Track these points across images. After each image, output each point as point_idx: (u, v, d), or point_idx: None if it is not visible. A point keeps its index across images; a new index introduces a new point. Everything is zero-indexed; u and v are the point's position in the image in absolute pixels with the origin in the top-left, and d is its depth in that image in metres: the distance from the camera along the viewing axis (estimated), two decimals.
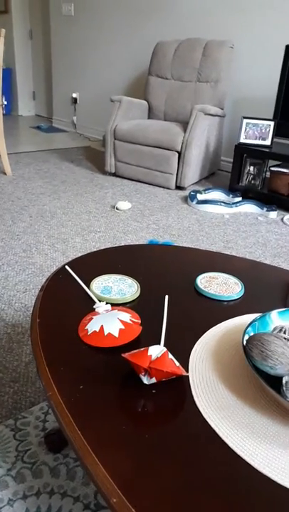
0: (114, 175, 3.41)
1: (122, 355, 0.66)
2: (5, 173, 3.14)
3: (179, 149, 3.02)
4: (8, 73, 5.66)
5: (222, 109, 3.33)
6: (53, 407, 0.62)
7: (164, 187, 3.22)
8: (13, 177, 3.12)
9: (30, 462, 0.97)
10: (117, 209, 2.68)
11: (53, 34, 4.97)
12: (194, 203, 2.84)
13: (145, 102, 3.57)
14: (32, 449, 1.00)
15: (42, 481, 0.92)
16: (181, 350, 0.74)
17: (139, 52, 4.11)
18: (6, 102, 3.02)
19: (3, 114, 2.98)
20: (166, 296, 0.91)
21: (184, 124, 3.18)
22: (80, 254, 2.10)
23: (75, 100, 4.99)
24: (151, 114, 3.61)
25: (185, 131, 3.03)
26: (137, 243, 2.21)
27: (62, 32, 4.84)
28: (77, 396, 0.63)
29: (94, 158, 3.94)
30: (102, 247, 2.14)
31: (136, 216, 2.61)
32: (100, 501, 0.89)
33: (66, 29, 4.78)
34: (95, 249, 2.10)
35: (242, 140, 2.97)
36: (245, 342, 0.68)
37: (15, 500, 0.88)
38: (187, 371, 0.69)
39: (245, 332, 0.71)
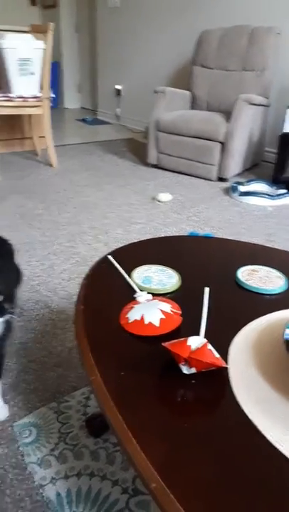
0: (156, 167, 3.41)
1: (163, 344, 0.67)
2: (51, 166, 3.23)
3: (221, 140, 2.96)
4: (56, 67, 5.78)
5: (267, 98, 3.23)
6: (95, 391, 0.64)
7: (205, 178, 3.18)
8: (59, 169, 3.20)
9: (72, 444, 1.00)
10: (158, 201, 2.69)
11: (99, 26, 5.01)
12: (236, 194, 2.78)
13: (188, 93, 3.53)
14: (74, 432, 1.04)
15: (83, 463, 0.96)
16: (221, 342, 0.74)
17: (183, 43, 4.06)
18: (54, 95, 3.10)
19: (51, 107, 3.06)
20: (207, 288, 0.91)
21: (227, 114, 3.11)
22: (121, 245, 2.12)
23: (118, 92, 5.02)
24: (194, 104, 3.56)
25: (228, 121, 2.97)
26: (177, 235, 2.21)
27: (108, 24, 4.86)
28: (119, 382, 0.65)
29: (136, 150, 3.95)
30: (142, 239, 2.15)
31: (176, 208, 2.60)
32: (138, 487, 0.91)
33: (112, 21, 4.80)
34: (135, 240, 2.12)
35: (287, 130, 2.86)
36: (287, 336, 0.67)
37: (57, 479, 0.92)
38: (227, 363, 0.68)
39: (287, 326, 0.69)
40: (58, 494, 0.89)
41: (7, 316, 0.80)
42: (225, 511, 0.47)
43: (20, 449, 0.99)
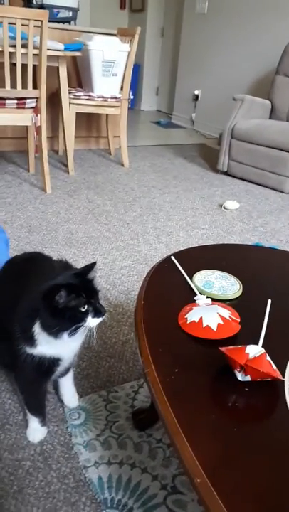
0: (226, 173, 3.37)
1: (220, 348, 0.68)
2: (123, 165, 3.32)
3: None
4: (137, 69, 5.92)
5: None
6: (149, 383, 0.66)
7: (276, 190, 3.10)
8: (130, 169, 3.29)
9: (117, 433, 1.04)
10: (224, 208, 2.66)
11: (184, 32, 5.06)
12: None
13: (268, 102, 3.45)
14: (120, 422, 1.07)
15: (125, 452, 0.99)
16: (279, 355, 0.73)
17: (266, 51, 3.98)
18: (132, 97, 3.19)
19: (128, 108, 3.15)
20: (269, 300, 0.90)
21: None
22: (182, 249, 2.14)
23: (196, 97, 5.03)
24: (273, 114, 3.47)
25: None
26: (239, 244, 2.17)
27: (193, 30, 4.90)
28: (173, 378, 0.66)
29: (207, 155, 3.94)
30: (204, 244, 2.15)
31: (243, 217, 2.56)
32: (176, 485, 0.92)
33: (197, 27, 4.83)
34: (197, 245, 2.12)
35: None
36: None
37: (100, 463, 0.96)
38: (283, 376, 0.68)
39: None
40: (100, 478, 0.92)
41: (105, 316, 0.84)
42: None
43: (69, 429, 1.04)
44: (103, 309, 0.84)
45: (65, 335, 0.80)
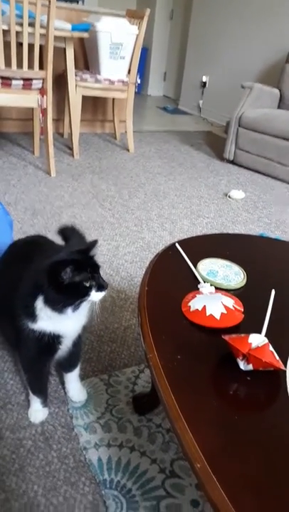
0: (232, 162, 3.35)
1: (223, 336, 0.68)
2: (128, 150, 3.30)
3: None
4: (144, 53, 5.82)
5: None
6: (151, 368, 0.67)
7: (283, 180, 3.07)
8: (135, 155, 3.26)
9: (117, 417, 1.05)
10: (229, 197, 2.65)
11: (193, 15, 4.95)
12: None
13: (277, 91, 3.40)
14: (120, 406, 1.08)
15: (125, 436, 1.00)
16: (282, 345, 0.73)
17: (277, 39, 3.90)
18: (139, 81, 3.14)
19: (134, 93, 3.11)
20: (273, 291, 0.90)
21: None
22: (185, 237, 2.13)
23: (204, 84, 4.96)
24: (281, 103, 3.43)
25: None
26: (247, 234, 2.17)
27: (203, 13, 4.80)
28: (175, 364, 0.67)
29: (214, 143, 3.90)
30: (208, 233, 2.14)
31: (248, 207, 2.55)
32: (175, 470, 0.94)
33: (207, 10, 4.73)
34: (201, 234, 2.12)
35: None
36: None
37: (100, 445, 0.97)
38: (285, 367, 0.68)
39: None
40: (100, 459, 0.94)
41: (105, 291, 0.87)
42: (268, 501, 0.48)
43: (70, 411, 1.05)
44: (106, 284, 0.86)
45: (70, 310, 0.82)
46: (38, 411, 1.02)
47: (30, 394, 1.02)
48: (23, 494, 0.85)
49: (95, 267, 0.85)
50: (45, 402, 1.02)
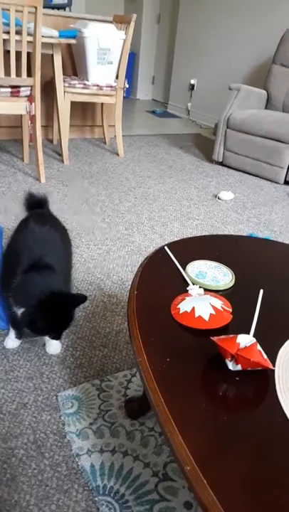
0: (221, 164, 3.36)
1: (211, 338, 0.68)
2: (118, 155, 3.30)
3: None
4: (132, 57, 5.84)
5: None
6: (141, 372, 0.66)
7: (271, 180, 3.10)
8: (125, 158, 3.26)
9: (109, 422, 1.05)
10: (218, 198, 2.66)
11: (181, 19, 4.99)
12: None
13: (264, 92, 3.43)
14: (112, 411, 1.08)
15: (118, 441, 1.00)
16: (270, 345, 0.73)
17: (263, 40, 3.94)
18: (128, 86, 3.15)
19: (123, 97, 3.11)
20: (261, 291, 0.90)
21: None
22: (176, 239, 2.14)
23: (192, 87, 4.99)
24: (269, 104, 3.46)
25: None
26: (236, 235, 2.18)
27: (190, 16, 4.83)
28: (164, 367, 0.67)
29: (203, 145, 3.92)
30: (198, 235, 2.15)
31: (237, 208, 2.56)
32: (168, 472, 0.93)
33: (194, 14, 4.76)
34: (191, 236, 2.12)
35: None
36: None
37: (93, 451, 0.97)
38: (274, 366, 0.68)
39: None
40: (92, 466, 0.93)
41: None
42: (257, 501, 0.48)
43: (62, 418, 1.04)
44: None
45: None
46: (10, 339, 1.24)
47: (10, 327, 1.24)
48: (15, 504, 0.84)
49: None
50: (19, 336, 1.24)
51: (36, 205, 1.40)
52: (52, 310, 1.01)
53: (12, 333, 1.24)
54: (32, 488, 0.87)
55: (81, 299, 1.04)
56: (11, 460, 0.93)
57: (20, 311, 1.03)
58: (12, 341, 1.25)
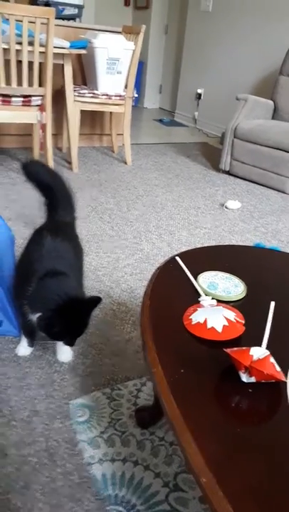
0: (228, 173, 3.38)
1: (225, 349, 0.69)
2: (126, 163, 3.33)
3: None
4: (140, 66, 5.90)
5: None
6: (156, 382, 0.68)
7: (278, 190, 3.11)
8: (133, 167, 3.29)
9: (120, 431, 1.06)
10: (226, 207, 2.67)
11: (188, 29, 5.05)
12: None
13: (271, 102, 3.46)
14: (123, 420, 1.09)
15: (128, 450, 1.01)
16: (282, 357, 0.74)
17: (271, 52, 3.97)
18: (136, 95, 3.19)
19: (131, 106, 3.15)
20: (273, 303, 0.91)
21: None
22: (184, 248, 2.16)
23: (199, 96, 5.03)
24: (276, 115, 3.48)
25: None
26: (242, 244, 2.19)
27: (197, 27, 4.89)
28: (178, 378, 0.68)
29: (210, 154, 3.95)
30: (206, 244, 2.16)
31: (244, 217, 2.57)
32: (178, 483, 0.94)
33: (201, 25, 4.82)
34: (199, 245, 2.13)
35: None
36: None
37: (104, 460, 0.98)
38: (286, 378, 0.69)
39: None
40: (104, 475, 0.94)
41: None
42: None
43: (74, 426, 1.05)
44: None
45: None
46: (22, 347, 1.27)
47: (22, 335, 1.27)
48: None
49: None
50: (31, 344, 1.27)
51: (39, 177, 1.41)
52: (69, 313, 1.02)
53: (24, 341, 1.27)
54: (45, 496, 0.88)
55: (96, 300, 1.05)
56: (24, 468, 0.94)
57: (36, 316, 1.05)
58: (24, 349, 1.27)
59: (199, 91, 5.00)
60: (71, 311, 1.02)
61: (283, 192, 3.08)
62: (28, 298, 1.06)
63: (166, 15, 5.73)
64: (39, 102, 2.39)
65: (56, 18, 2.84)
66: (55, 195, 1.35)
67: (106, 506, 0.88)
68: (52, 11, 2.16)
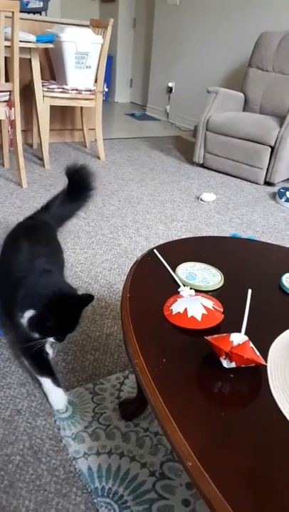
0: (202, 166, 3.41)
1: (205, 337, 0.71)
2: (99, 158, 3.31)
3: (272, 144, 2.93)
4: (109, 60, 5.86)
5: None
6: (138, 373, 0.68)
7: (251, 181, 3.16)
8: (106, 162, 3.28)
9: (104, 424, 1.06)
10: (201, 200, 2.70)
11: (156, 23, 5.04)
12: (283, 200, 2.75)
13: (241, 95, 3.50)
14: (107, 413, 1.09)
15: (114, 442, 1.01)
16: (261, 342, 0.76)
17: (239, 44, 4.02)
18: (106, 89, 3.16)
19: (102, 101, 3.13)
20: (249, 290, 0.93)
21: (281, 119, 3.07)
22: (161, 241, 2.17)
23: (170, 89, 5.04)
24: (246, 106, 3.53)
25: (281, 125, 2.93)
26: (220, 235, 2.21)
27: (165, 21, 4.89)
28: (160, 368, 0.69)
29: (183, 148, 3.97)
30: (183, 236, 2.18)
31: (220, 209, 2.61)
32: (164, 471, 0.95)
33: (169, 18, 4.82)
34: (176, 238, 2.15)
35: None
36: None
37: (89, 454, 0.98)
38: (266, 362, 0.71)
39: None
40: (90, 468, 0.94)
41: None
42: (258, 492, 0.50)
43: (57, 422, 1.05)
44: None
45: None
46: (53, 393, 1.08)
47: (40, 378, 1.09)
48: (15, 510, 0.85)
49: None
50: (56, 381, 1.09)
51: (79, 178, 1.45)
52: (63, 307, 0.99)
53: (47, 383, 1.10)
54: (31, 493, 0.88)
55: (89, 298, 1.01)
56: (8, 467, 0.93)
57: (27, 316, 0.99)
58: (59, 396, 1.10)
59: (170, 84, 5.01)
60: (64, 305, 0.99)
61: (256, 183, 3.13)
62: (17, 296, 1.02)
63: (134, 8, 5.70)
64: (6, 98, 2.33)
65: (21, 12, 2.78)
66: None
67: (94, 499, 0.88)
68: (16, 3, 2.11)
